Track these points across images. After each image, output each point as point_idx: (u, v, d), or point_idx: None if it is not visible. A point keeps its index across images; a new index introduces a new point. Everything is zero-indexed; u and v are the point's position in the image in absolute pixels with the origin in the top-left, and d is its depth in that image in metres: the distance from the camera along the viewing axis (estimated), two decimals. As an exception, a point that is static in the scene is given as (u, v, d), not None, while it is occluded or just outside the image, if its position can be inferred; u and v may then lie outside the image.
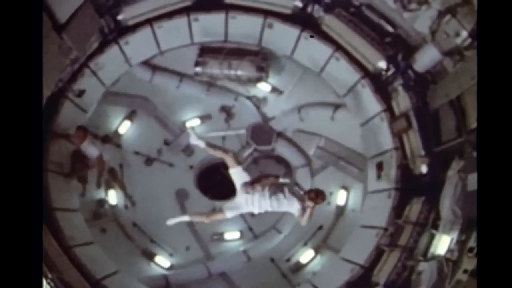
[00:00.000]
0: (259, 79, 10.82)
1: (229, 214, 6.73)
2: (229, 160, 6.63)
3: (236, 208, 6.72)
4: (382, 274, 7.64)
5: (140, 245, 11.28)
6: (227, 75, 10.76)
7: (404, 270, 7.38)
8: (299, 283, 10.32)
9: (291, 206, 6.49)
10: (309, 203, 6.32)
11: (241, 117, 11.89)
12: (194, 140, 6.82)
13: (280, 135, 11.70)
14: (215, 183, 12.55)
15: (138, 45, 9.20)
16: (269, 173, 6.90)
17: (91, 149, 9.09)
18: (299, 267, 11.07)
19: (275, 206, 6.50)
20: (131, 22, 8.88)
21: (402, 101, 8.24)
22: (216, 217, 7.03)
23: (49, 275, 6.79)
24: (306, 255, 11.06)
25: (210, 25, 9.27)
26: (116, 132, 11.38)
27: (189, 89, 11.47)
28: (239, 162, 6.74)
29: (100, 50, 8.79)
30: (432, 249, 6.80)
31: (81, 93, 8.88)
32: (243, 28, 9.28)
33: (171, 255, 11.49)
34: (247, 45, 10.01)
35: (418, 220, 7.51)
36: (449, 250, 6.34)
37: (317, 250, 10.99)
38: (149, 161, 11.89)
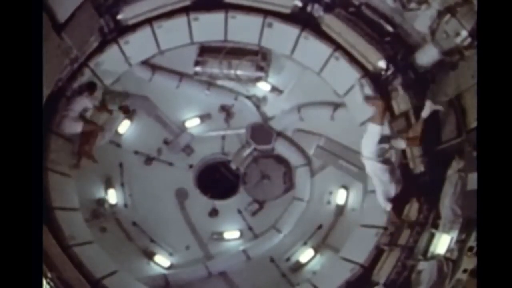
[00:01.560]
0: (258, 79, 10.82)
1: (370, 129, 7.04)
2: (377, 116, 6.94)
3: (374, 130, 7.00)
4: (382, 274, 7.64)
5: (139, 244, 11.28)
6: (226, 75, 10.75)
7: (404, 269, 7.37)
8: (298, 283, 10.30)
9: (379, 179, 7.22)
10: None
11: (240, 116, 11.89)
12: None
13: (280, 134, 11.70)
14: (214, 183, 12.57)
15: (138, 45, 9.20)
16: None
17: None
18: (298, 266, 11.05)
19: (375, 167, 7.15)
20: (130, 22, 8.90)
21: (402, 101, 8.25)
22: (382, 111, 7.13)
23: (49, 275, 6.80)
24: (305, 255, 11.03)
25: (209, 25, 9.27)
26: (115, 131, 11.38)
27: (189, 88, 11.46)
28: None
29: (99, 49, 8.81)
30: (432, 249, 6.79)
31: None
32: (243, 27, 9.28)
33: (170, 254, 11.48)
34: (247, 44, 10.00)
35: (418, 220, 7.51)
36: (449, 250, 6.34)
37: (316, 250, 10.97)
38: (148, 160, 11.88)
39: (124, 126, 11.46)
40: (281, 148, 11.77)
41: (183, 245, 11.68)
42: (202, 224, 11.96)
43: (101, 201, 10.84)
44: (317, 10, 8.76)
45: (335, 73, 9.12)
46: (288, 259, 11.26)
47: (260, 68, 10.53)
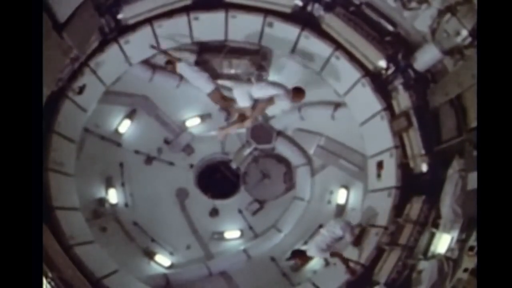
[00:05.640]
0: (259, 78, 10.80)
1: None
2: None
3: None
4: (382, 273, 7.65)
5: (140, 244, 11.29)
6: (227, 74, 10.75)
7: (404, 269, 7.38)
8: (299, 282, 10.32)
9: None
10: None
11: (241, 116, 11.86)
12: None
13: (280, 134, 11.70)
14: (215, 182, 12.57)
15: (138, 44, 9.19)
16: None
17: None
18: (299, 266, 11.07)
19: None
20: (131, 21, 8.88)
21: (402, 100, 8.24)
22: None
23: (49, 274, 6.79)
24: (306, 254, 11.03)
25: (210, 24, 9.26)
26: (116, 131, 11.38)
27: (189, 88, 11.41)
28: None
29: (100, 49, 8.80)
30: (432, 248, 6.80)
31: (81, 90, 8.85)
32: (243, 27, 9.28)
33: (171, 254, 11.50)
34: (247, 44, 9.99)
35: (418, 219, 7.51)
36: (450, 249, 6.34)
37: (317, 249, 10.98)
38: (149, 160, 11.89)
39: (125, 126, 11.47)
40: (282, 147, 11.77)
41: (184, 245, 11.70)
42: (203, 224, 11.97)
43: (102, 201, 10.85)
44: (317, 10, 8.75)
45: (335, 73, 9.11)
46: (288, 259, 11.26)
47: (261, 68, 10.52)
